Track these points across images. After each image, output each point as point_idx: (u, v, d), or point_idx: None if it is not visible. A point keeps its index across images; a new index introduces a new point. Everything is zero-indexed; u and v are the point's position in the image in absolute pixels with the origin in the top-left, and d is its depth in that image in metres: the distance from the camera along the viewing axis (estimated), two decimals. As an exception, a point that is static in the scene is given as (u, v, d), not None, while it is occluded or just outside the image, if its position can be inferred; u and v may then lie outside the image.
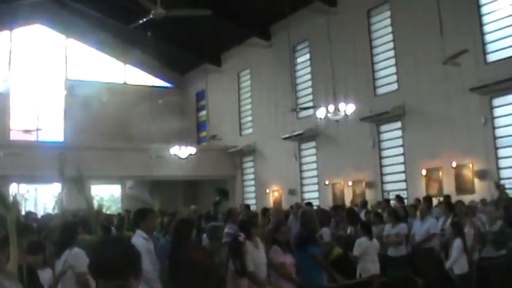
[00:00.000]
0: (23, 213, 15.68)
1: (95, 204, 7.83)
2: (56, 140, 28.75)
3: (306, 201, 20.24)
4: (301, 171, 24.24)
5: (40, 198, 27.70)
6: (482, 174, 16.53)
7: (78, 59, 31.18)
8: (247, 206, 17.65)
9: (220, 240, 9.19)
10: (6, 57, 29.01)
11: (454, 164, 17.25)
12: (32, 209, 22.47)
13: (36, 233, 7.74)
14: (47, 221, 11.74)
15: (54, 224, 9.38)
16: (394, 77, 19.96)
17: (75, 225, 7.56)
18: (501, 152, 16.41)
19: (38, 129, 27.97)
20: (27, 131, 26.67)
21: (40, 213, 19.75)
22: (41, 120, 29.42)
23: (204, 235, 10.00)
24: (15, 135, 28.02)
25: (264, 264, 7.89)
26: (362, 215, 14.27)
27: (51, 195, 24.21)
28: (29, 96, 29.46)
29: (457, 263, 9.40)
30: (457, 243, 9.38)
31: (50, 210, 19.48)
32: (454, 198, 14.22)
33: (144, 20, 16.41)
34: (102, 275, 2.48)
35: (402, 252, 10.80)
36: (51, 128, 29.44)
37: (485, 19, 16.98)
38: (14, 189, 24.71)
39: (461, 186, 16.99)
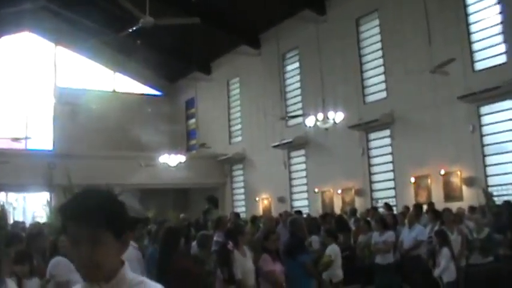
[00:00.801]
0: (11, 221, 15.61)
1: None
2: (45, 148, 28.65)
3: (295, 209, 20.25)
4: (290, 179, 24.26)
5: (29, 206, 27.57)
6: (470, 182, 16.60)
7: (67, 66, 31.09)
8: (237, 214, 17.65)
9: (209, 248, 9.21)
10: (-6, 65, 28.94)
11: (442, 172, 17.33)
12: (21, 218, 22.40)
13: (25, 242, 7.74)
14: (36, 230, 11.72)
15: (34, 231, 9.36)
16: (383, 85, 20.03)
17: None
18: (489, 160, 16.49)
19: (26, 137, 27.81)
20: (15, 139, 26.48)
21: (29, 221, 19.68)
22: (30, 128, 29.28)
23: (194, 243, 10.01)
24: (3, 143, 27.82)
25: (251, 272, 7.92)
26: (351, 222, 14.32)
27: (40, 203, 24.13)
28: (18, 104, 29.33)
29: (446, 271, 9.45)
30: (445, 251, 9.43)
31: (38, 219, 19.44)
32: (443, 206, 14.28)
33: (134, 28, 16.42)
34: (72, 218, 2.09)
35: (390, 260, 10.84)
36: (40, 136, 29.31)
37: (473, 28, 17.07)
38: (2, 197, 24.61)
39: (450, 193, 17.06)
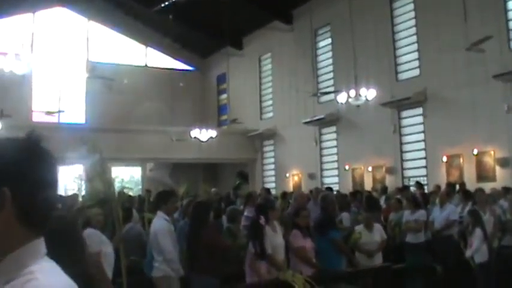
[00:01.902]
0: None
1: (117, 186, 7.90)
2: (77, 122, 28.95)
3: (325, 186, 20.23)
4: (321, 155, 24.21)
5: (61, 179, 27.89)
6: (503, 162, 16.38)
7: (99, 41, 31.29)
8: (268, 190, 17.68)
9: (239, 223, 9.27)
10: (28, 39, 29.15)
11: (475, 151, 17.13)
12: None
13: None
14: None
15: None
16: (416, 63, 19.80)
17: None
18: (524, 140, 16.27)
19: (60, 111, 28.09)
20: (49, 113, 26.77)
21: (61, 194, 19.90)
22: (63, 102, 29.58)
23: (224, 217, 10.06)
24: (37, 116, 28.22)
25: (281, 247, 7.93)
26: (382, 200, 14.25)
27: (72, 176, 24.38)
28: (51, 78, 29.62)
29: (478, 252, 9.33)
30: (478, 232, 9.28)
31: (70, 192, 19.65)
32: (475, 186, 14.13)
33: (166, 3, 16.39)
34: None
35: (421, 239, 10.75)
36: (73, 110, 29.61)
37: (510, 5, 16.75)
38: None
39: (482, 173, 16.87)
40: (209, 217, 7.66)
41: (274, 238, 7.82)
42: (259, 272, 7.36)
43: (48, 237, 2.30)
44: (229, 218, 9.12)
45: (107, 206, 8.07)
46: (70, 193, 18.91)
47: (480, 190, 11.91)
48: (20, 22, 29.12)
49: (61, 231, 2.96)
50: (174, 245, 7.37)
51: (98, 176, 7.68)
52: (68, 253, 2.62)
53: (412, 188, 16.49)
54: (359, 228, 9.52)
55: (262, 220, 7.70)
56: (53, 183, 1.64)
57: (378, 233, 9.48)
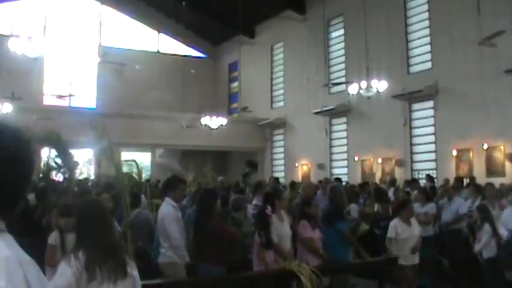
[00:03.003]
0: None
1: (126, 170, 7.87)
2: (88, 106, 29.00)
3: (334, 177, 20.22)
4: (331, 146, 24.19)
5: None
6: (514, 157, 16.33)
7: (112, 26, 31.31)
8: (276, 179, 17.68)
9: (244, 211, 9.28)
10: (41, 22, 29.18)
11: (485, 146, 17.06)
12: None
13: (76, 196, 7.88)
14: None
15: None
16: (428, 56, 19.71)
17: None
18: (534, 135, 16.17)
19: (70, 95, 28.18)
20: (60, 97, 26.88)
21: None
22: (74, 86, 29.65)
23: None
24: (48, 100, 28.31)
25: (287, 237, 7.93)
26: (391, 193, 14.22)
27: (82, 160, 24.45)
28: (63, 62, 29.66)
29: (487, 247, 9.28)
30: (487, 228, 9.23)
31: (79, 176, 19.70)
32: (484, 181, 14.06)
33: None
34: None
35: (429, 232, 10.70)
36: (84, 94, 29.68)
37: (525, -1, 16.63)
38: (45, 153, 25.00)
39: (492, 168, 16.81)
40: (216, 205, 7.64)
41: (281, 228, 7.81)
42: (265, 261, 7.36)
43: (83, 217, 3.84)
44: (234, 207, 9.12)
45: (115, 191, 8.09)
46: (80, 177, 18.99)
47: (490, 185, 11.85)
48: (33, 5, 29.17)
49: (93, 212, 3.96)
50: (181, 232, 7.36)
51: (107, 160, 7.70)
52: (98, 228, 3.82)
53: (422, 181, 16.45)
54: (395, 222, 9.03)
55: (268, 210, 7.69)
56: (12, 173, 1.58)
57: (417, 227, 9.22)
